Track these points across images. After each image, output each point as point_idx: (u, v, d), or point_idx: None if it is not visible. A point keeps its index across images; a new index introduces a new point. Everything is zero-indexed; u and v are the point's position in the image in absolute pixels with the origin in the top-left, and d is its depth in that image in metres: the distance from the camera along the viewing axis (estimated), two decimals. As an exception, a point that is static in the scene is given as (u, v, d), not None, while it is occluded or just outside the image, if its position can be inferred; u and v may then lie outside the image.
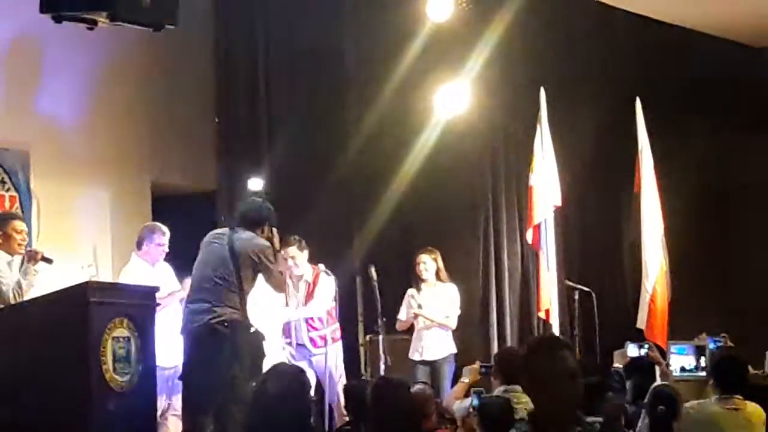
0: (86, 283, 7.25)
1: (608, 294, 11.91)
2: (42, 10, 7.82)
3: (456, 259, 11.01)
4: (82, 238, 9.93)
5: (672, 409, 6.46)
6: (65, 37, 9.08)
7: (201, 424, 7.62)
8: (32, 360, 6.78)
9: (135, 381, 7.00)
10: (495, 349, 11.29)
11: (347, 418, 7.50)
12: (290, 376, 5.02)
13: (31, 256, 7.70)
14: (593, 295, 11.20)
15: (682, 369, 9.69)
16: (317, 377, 9.16)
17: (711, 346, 9.67)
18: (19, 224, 7.94)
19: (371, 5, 11.02)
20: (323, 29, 10.84)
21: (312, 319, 9.38)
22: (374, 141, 11.07)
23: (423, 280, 10.04)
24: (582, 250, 12.59)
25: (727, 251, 13.30)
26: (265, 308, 8.85)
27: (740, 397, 6.47)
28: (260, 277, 7.94)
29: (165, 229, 8.95)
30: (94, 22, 7.91)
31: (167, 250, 8.94)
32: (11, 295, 7.51)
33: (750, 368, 7.14)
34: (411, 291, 10.06)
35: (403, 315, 10.07)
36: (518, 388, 7.18)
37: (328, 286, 9.42)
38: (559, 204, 11.12)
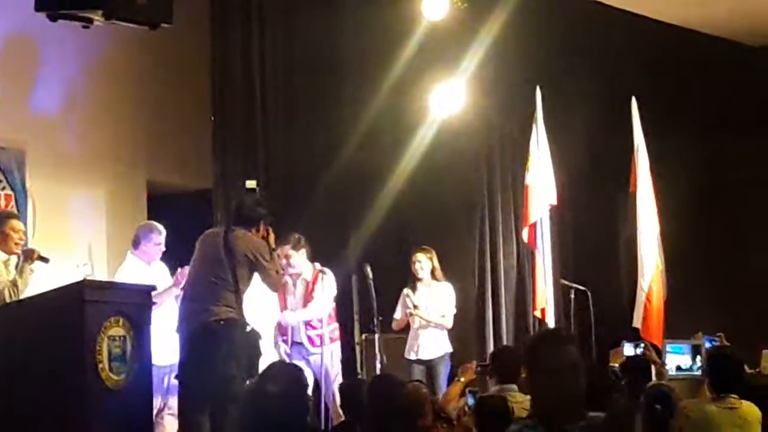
0: (82, 281, 7.24)
1: (604, 293, 11.89)
2: (37, 9, 7.82)
3: (452, 258, 11.01)
4: (78, 237, 9.93)
5: (668, 408, 6.46)
6: (61, 35, 9.08)
7: (197, 423, 7.62)
8: (28, 359, 6.77)
9: (131, 380, 6.99)
10: (491, 348, 11.28)
11: (343, 418, 7.49)
12: (288, 374, 5.00)
13: (27, 255, 7.69)
14: (589, 294, 11.20)
15: (678, 368, 9.68)
16: (314, 376, 9.15)
17: (707, 345, 9.66)
18: (17, 223, 7.93)
19: (367, 4, 11.00)
20: (319, 27, 10.83)
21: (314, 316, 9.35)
22: (370, 140, 11.06)
23: (418, 279, 10.04)
24: (577, 249, 12.59)
25: (722, 250, 13.29)
26: (260, 307, 8.85)
27: (736, 396, 6.47)
28: (256, 275, 7.94)
29: (161, 228, 8.95)
30: (90, 21, 7.93)
31: (164, 248, 8.94)
32: (7, 294, 7.50)
33: (745, 367, 7.14)
34: (406, 290, 10.06)
35: (398, 314, 10.07)
36: (514, 387, 7.20)
37: (328, 286, 9.41)
38: (555, 203, 11.13)
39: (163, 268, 9.00)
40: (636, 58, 12.58)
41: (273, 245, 8.00)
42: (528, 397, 6.74)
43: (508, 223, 12.18)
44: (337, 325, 9.60)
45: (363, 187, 11.18)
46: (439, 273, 10.07)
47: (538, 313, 10.99)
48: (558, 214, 11.54)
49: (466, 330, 11.38)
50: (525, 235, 11.14)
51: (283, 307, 9.44)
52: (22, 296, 7.53)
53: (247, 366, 7.54)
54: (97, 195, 10.33)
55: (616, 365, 8.44)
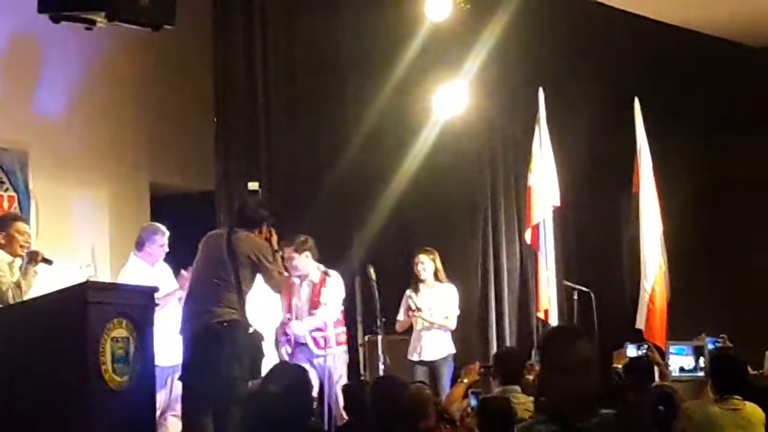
0: (85, 283, 7.23)
1: (607, 294, 11.90)
2: (40, 10, 7.82)
3: (455, 260, 11.01)
4: (81, 239, 9.94)
5: (671, 409, 6.46)
6: (64, 37, 9.09)
7: (200, 425, 7.62)
8: (30, 360, 6.77)
9: (134, 381, 6.98)
10: (494, 349, 11.28)
11: (346, 419, 7.49)
12: (292, 374, 5.00)
13: (32, 257, 7.69)
14: (592, 295, 11.20)
15: (681, 369, 9.69)
16: (318, 378, 9.13)
17: (710, 346, 9.66)
18: (23, 226, 7.93)
19: (369, 5, 11.00)
20: (321, 28, 10.83)
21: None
22: (373, 141, 11.06)
23: (421, 281, 10.03)
24: (580, 250, 12.59)
25: (725, 251, 13.29)
26: (263, 308, 8.85)
27: (739, 397, 6.46)
28: (259, 277, 7.94)
29: (165, 229, 8.96)
30: (93, 22, 7.92)
31: (167, 250, 8.95)
32: (10, 296, 7.50)
33: (749, 368, 7.13)
34: (409, 292, 10.06)
35: (401, 316, 10.06)
36: (517, 388, 7.20)
37: (334, 289, 9.40)
38: (558, 204, 11.13)
39: (166, 270, 9.01)
40: (638, 59, 12.58)
41: (276, 246, 8.01)
42: (531, 398, 6.79)
43: (510, 225, 12.18)
44: (344, 329, 9.59)
45: (366, 189, 11.18)
46: (442, 274, 10.07)
47: (541, 315, 10.99)
48: (561, 215, 11.53)
49: (469, 331, 11.38)
50: (528, 236, 11.15)
51: (289, 307, 9.45)
52: (26, 298, 7.53)
53: (250, 367, 7.55)
54: (99, 196, 10.34)
55: (620, 366, 8.44)
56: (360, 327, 10.61)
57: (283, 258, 8.46)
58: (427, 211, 11.55)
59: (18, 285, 7.56)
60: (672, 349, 9.84)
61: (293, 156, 10.76)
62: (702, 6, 12.15)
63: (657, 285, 11.03)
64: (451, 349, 10.02)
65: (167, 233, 8.93)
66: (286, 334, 9.43)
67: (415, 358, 9.97)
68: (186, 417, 7.87)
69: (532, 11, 11.50)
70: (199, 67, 10.77)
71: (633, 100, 11.39)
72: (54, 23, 7.93)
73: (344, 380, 9.29)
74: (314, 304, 9.36)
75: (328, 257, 9.62)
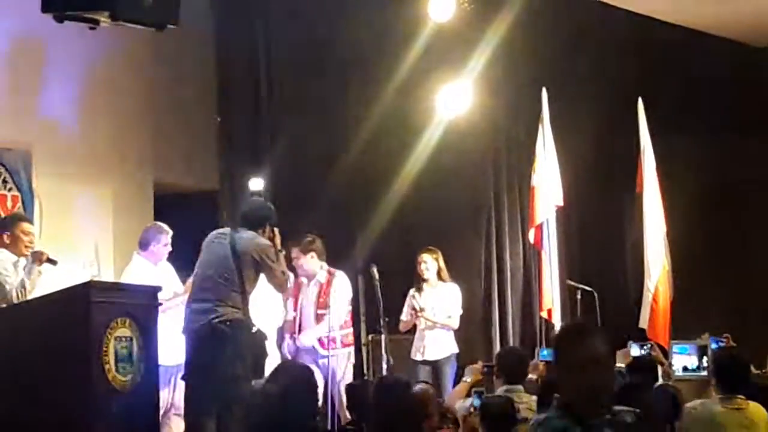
0: (88, 282, 7.26)
1: (610, 294, 11.90)
2: (44, 10, 7.82)
3: (458, 259, 11.01)
4: (84, 238, 9.93)
5: (674, 408, 6.45)
6: (67, 36, 9.08)
7: (203, 424, 7.62)
8: (34, 359, 6.78)
9: (137, 380, 7.00)
10: (497, 348, 11.29)
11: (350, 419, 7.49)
12: (297, 375, 5.01)
13: (36, 257, 7.70)
14: (595, 294, 11.20)
15: (684, 368, 9.66)
16: (323, 378, 9.14)
17: (713, 345, 9.64)
18: (28, 226, 7.93)
19: (373, 4, 11.00)
20: (325, 28, 10.84)
21: (323, 318, 9.33)
22: (376, 141, 11.06)
23: (424, 280, 10.03)
24: (584, 250, 12.58)
25: (729, 251, 13.28)
26: (266, 308, 8.85)
27: (742, 396, 6.46)
28: (262, 277, 7.95)
29: (168, 228, 8.96)
30: (96, 22, 7.92)
31: (171, 249, 8.95)
32: (14, 295, 7.51)
33: (752, 368, 7.13)
34: (412, 291, 10.06)
35: (405, 316, 10.06)
36: (520, 387, 7.20)
37: (340, 291, 9.42)
38: (561, 204, 11.13)
39: (169, 269, 9.01)
40: (642, 59, 12.57)
41: (279, 246, 8.01)
42: (534, 397, 6.79)
43: (514, 224, 12.18)
44: (351, 330, 9.61)
45: (369, 188, 11.18)
46: (445, 274, 10.07)
47: (544, 314, 11.00)
48: (564, 215, 11.53)
49: (472, 331, 11.39)
50: (531, 236, 11.15)
51: (295, 306, 9.48)
52: (30, 297, 7.54)
53: (253, 366, 7.56)
54: (103, 195, 10.34)
55: (623, 366, 8.43)
56: (363, 326, 10.60)
57: (287, 257, 8.47)
58: (430, 211, 11.55)
59: (22, 284, 7.57)
60: (675, 348, 9.81)
61: (296, 155, 10.75)
62: (706, 6, 12.15)
63: (660, 284, 11.02)
64: (454, 349, 10.02)
65: (171, 233, 8.93)
66: (292, 332, 9.46)
67: (418, 357, 9.98)
68: (189, 416, 7.87)
69: (535, 11, 11.50)
70: (202, 67, 10.77)
71: (637, 100, 11.38)
72: (57, 23, 7.93)
73: (348, 381, 9.29)
74: (321, 305, 9.39)
75: (331, 257, 9.63)
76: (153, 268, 8.84)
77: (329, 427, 8.85)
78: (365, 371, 10.37)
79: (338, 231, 10.64)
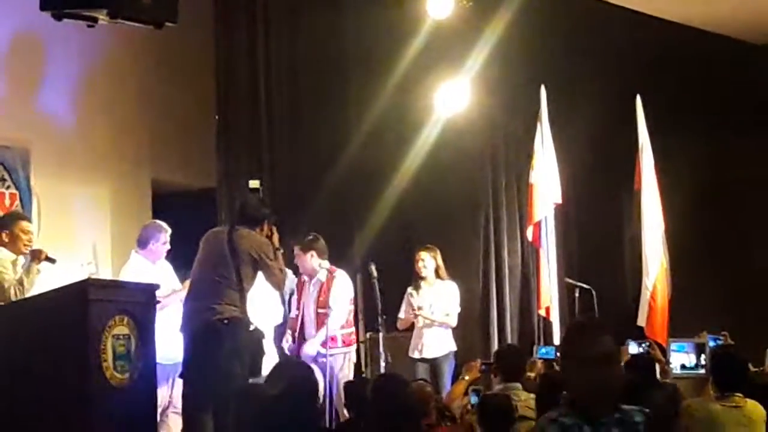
0: (86, 280, 7.24)
1: (608, 292, 11.90)
2: (42, 8, 7.83)
3: (456, 257, 11.01)
4: (83, 236, 9.94)
5: (672, 406, 6.45)
6: (66, 34, 9.09)
7: (201, 422, 7.62)
8: (32, 357, 6.78)
9: (135, 378, 6.99)
10: (495, 346, 11.29)
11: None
12: (299, 373, 5.01)
13: (35, 256, 7.70)
14: (593, 292, 11.21)
15: (682, 366, 9.67)
16: (323, 376, 9.14)
17: (711, 343, 9.65)
18: (27, 225, 7.93)
19: (372, 3, 11.01)
20: (324, 27, 10.83)
21: (327, 317, 9.33)
22: (375, 139, 11.06)
23: (422, 278, 10.04)
24: (582, 248, 12.59)
25: (727, 249, 13.29)
26: (264, 306, 8.86)
27: (740, 394, 6.46)
28: (260, 275, 7.95)
29: (167, 227, 8.96)
30: (95, 20, 7.94)
31: (169, 247, 8.95)
32: (12, 293, 7.51)
33: (750, 366, 7.13)
34: (410, 289, 10.06)
35: (403, 314, 10.07)
36: (518, 385, 7.20)
37: (342, 290, 9.43)
38: (560, 201, 11.14)
39: (168, 267, 9.01)
40: (639, 57, 12.59)
41: (277, 244, 8.01)
42: (532, 395, 6.79)
43: (512, 222, 12.18)
44: (352, 329, 9.62)
45: (367, 186, 11.18)
46: (443, 272, 10.07)
47: (542, 312, 11.02)
48: (562, 213, 11.55)
49: (470, 328, 11.39)
50: (529, 233, 11.17)
51: (299, 304, 9.50)
52: (28, 295, 7.54)
53: (251, 365, 7.56)
54: (101, 194, 10.34)
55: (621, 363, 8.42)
56: (361, 324, 10.61)
57: (284, 255, 8.47)
58: (428, 209, 11.55)
59: (20, 282, 7.57)
60: (673, 346, 9.82)
61: (295, 153, 10.76)
62: (704, 3, 12.17)
63: (659, 282, 11.04)
64: (452, 347, 10.02)
65: (170, 231, 8.93)
66: (294, 330, 9.48)
67: (416, 355, 9.98)
68: (186, 414, 7.87)
69: (533, 9, 11.51)
70: (201, 65, 10.77)
71: (635, 98, 11.39)
72: (56, 21, 7.93)
73: (350, 377, 9.30)
74: (321, 304, 9.40)
75: (329, 255, 9.63)
76: (151, 267, 8.84)
77: (328, 425, 8.86)
78: (363, 369, 10.37)
79: (336, 229, 10.64)
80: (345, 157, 10.88)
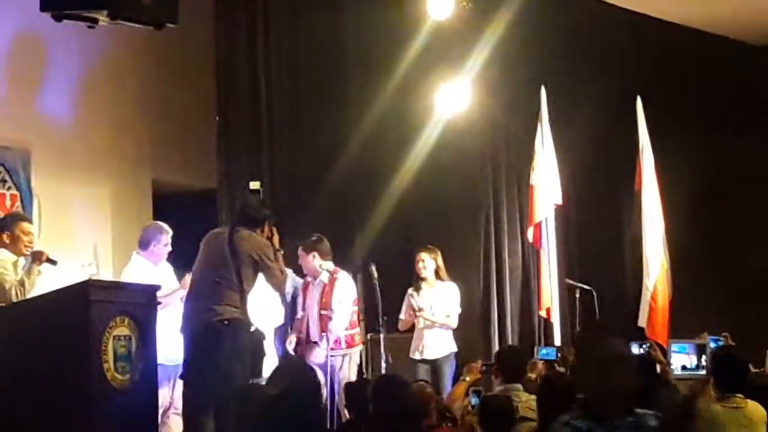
0: (87, 281, 7.24)
1: (609, 292, 11.91)
2: (43, 9, 7.83)
3: (457, 258, 11.01)
4: (83, 237, 9.93)
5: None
6: (66, 35, 9.09)
7: (201, 423, 7.62)
8: (33, 358, 6.78)
9: (136, 379, 6.99)
10: (496, 347, 11.28)
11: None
12: (301, 373, 5.01)
13: (36, 257, 7.69)
14: (594, 293, 11.21)
15: (683, 367, 9.67)
16: (325, 377, 9.13)
17: (711, 344, 9.65)
18: (27, 226, 7.92)
19: (372, 4, 11.01)
20: (324, 27, 10.83)
21: (329, 318, 9.33)
22: (375, 139, 11.06)
23: (423, 279, 10.03)
24: (583, 249, 12.59)
25: (728, 250, 13.29)
26: (264, 307, 8.86)
27: (741, 395, 6.46)
28: (260, 276, 7.95)
29: (168, 228, 8.96)
30: (95, 21, 7.94)
31: (170, 249, 8.95)
32: (13, 294, 7.50)
33: (750, 367, 7.13)
34: (411, 290, 10.06)
35: (404, 315, 10.07)
36: (519, 386, 7.19)
37: (345, 292, 9.43)
38: (560, 202, 11.14)
39: (168, 268, 9.01)
40: (639, 57, 12.60)
41: (277, 245, 8.01)
42: (532, 396, 6.78)
43: (513, 223, 12.18)
44: (356, 330, 9.63)
45: (368, 187, 11.18)
46: (443, 272, 10.06)
47: (543, 313, 11.01)
48: (563, 214, 11.54)
49: (471, 329, 11.38)
50: (530, 234, 11.17)
51: (303, 305, 9.52)
52: (29, 297, 7.54)
53: (251, 366, 7.56)
54: (101, 194, 10.34)
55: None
56: (362, 325, 10.61)
57: (286, 256, 8.47)
58: (429, 210, 11.55)
59: (21, 283, 7.57)
60: (674, 347, 9.82)
61: (295, 154, 10.76)
62: (704, 4, 12.17)
63: (659, 283, 11.03)
64: (453, 348, 10.02)
65: (171, 232, 8.93)
66: (300, 331, 9.48)
67: (417, 356, 9.98)
68: (187, 415, 7.88)
69: (534, 9, 11.51)
70: (201, 66, 10.76)
71: (635, 98, 11.39)
72: (56, 21, 7.93)
73: (352, 378, 9.31)
74: (323, 305, 9.40)
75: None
76: (153, 268, 8.83)
77: (330, 425, 8.86)
78: (364, 370, 10.37)
79: (337, 230, 10.63)
80: (345, 158, 10.88)
